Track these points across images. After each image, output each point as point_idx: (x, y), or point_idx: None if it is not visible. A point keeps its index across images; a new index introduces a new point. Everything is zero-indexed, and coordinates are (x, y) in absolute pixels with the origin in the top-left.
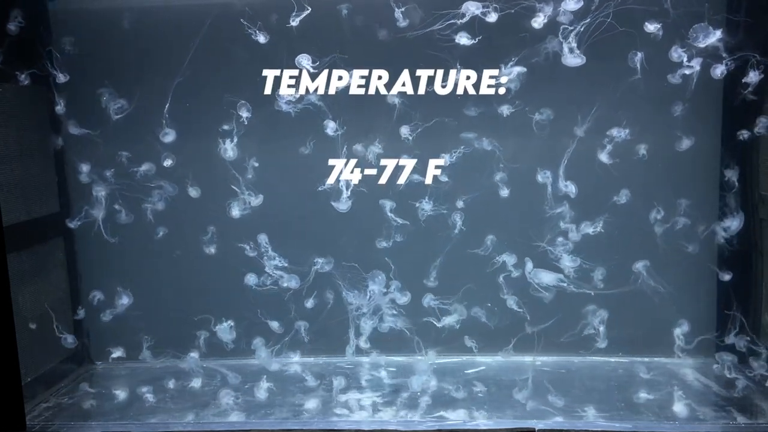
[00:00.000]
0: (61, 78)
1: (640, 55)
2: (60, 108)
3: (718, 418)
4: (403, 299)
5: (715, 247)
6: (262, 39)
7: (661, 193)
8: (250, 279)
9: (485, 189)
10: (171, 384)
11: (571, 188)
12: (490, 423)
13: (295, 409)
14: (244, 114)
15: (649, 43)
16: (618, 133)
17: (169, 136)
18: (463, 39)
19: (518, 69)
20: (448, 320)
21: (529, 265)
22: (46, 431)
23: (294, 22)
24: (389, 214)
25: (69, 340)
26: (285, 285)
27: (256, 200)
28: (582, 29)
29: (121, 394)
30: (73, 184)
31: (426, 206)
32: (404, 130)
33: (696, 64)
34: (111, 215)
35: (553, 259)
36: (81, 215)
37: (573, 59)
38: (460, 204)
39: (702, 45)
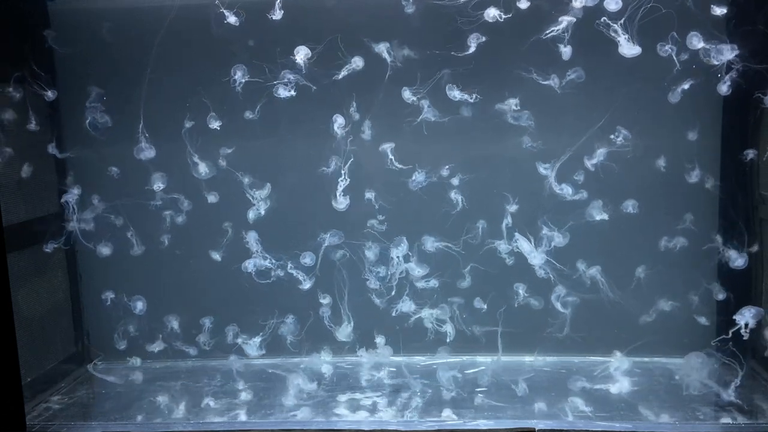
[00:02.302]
0: (50, 96)
1: (671, 48)
2: (32, 126)
3: (718, 418)
4: (419, 272)
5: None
6: (233, 20)
7: (660, 200)
8: (250, 265)
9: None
10: (171, 384)
11: (567, 190)
12: (490, 423)
13: None
14: (215, 124)
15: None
16: (618, 137)
17: (147, 152)
18: (491, 12)
19: (568, 19)
20: (426, 314)
21: (509, 219)
22: (46, 431)
23: (277, 16)
24: (390, 156)
25: (111, 379)
26: (303, 287)
27: (264, 191)
28: (623, 20)
29: (121, 394)
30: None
31: (419, 177)
32: (406, 95)
33: (693, 80)
34: (122, 246)
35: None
36: (60, 240)
37: (630, 49)
38: (456, 182)
39: (717, 63)
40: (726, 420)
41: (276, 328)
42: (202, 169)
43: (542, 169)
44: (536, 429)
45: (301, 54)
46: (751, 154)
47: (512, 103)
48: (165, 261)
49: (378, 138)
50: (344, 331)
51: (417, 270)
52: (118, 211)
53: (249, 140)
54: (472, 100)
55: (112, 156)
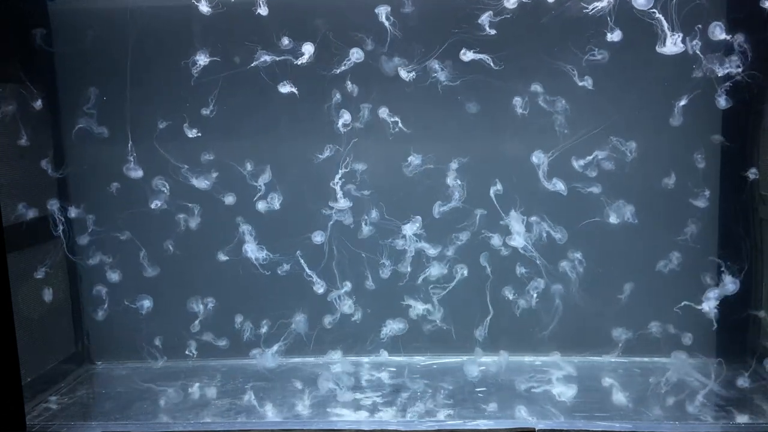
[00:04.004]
0: (38, 105)
1: (697, 42)
2: (24, 141)
3: (718, 418)
4: (432, 251)
5: (716, 248)
6: (204, 8)
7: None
8: (249, 250)
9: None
10: (170, 384)
11: (559, 185)
12: (490, 423)
13: None
14: (192, 133)
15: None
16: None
17: (135, 172)
18: None
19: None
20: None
21: (498, 186)
22: (46, 431)
23: (262, 11)
24: (390, 120)
25: (170, 393)
26: (318, 290)
27: (267, 176)
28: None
29: (121, 394)
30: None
31: (415, 161)
32: (402, 74)
33: (686, 99)
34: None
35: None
36: (46, 264)
37: (672, 47)
38: (455, 165)
39: (721, 74)
40: (726, 420)
41: (289, 333)
42: (198, 183)
43: (534, 158)
44: (536, 429)
45: (307, 53)
46: (752, 175)
47: (519, 102)
48: (164, 260)
49: (377, 119)
50: (346, 303)
51: (430, 249)
52: (121, 227)
53: (246, 138)
54: (496, 67)
55: (110, 167)
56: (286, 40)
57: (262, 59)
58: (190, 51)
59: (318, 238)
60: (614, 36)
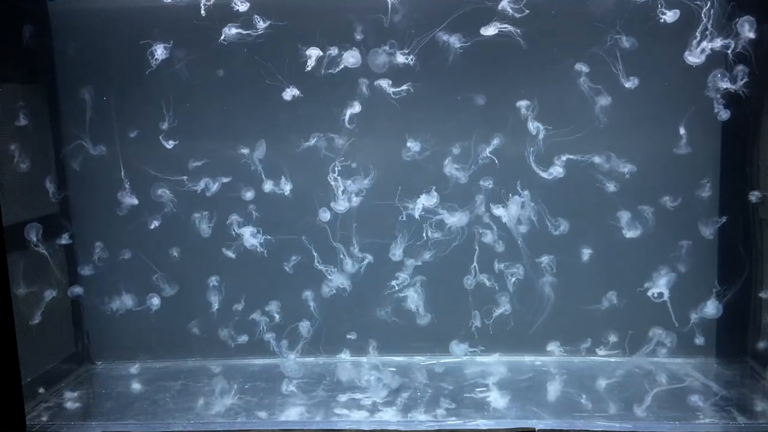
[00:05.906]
0: (22, 121)
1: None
2: (25, 167)
3: (718, 418)
4: (452, 219)
5: (715, 247)
6: None
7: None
8: (246, 233)
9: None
10: (170, 384)
11: (556, 171)
12: (490, 423)
13: None
14: (170, 144)
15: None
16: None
17: (130, 199)
18: None
19: None
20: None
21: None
22: (46, 431)
23: (242, 8)
24: (388, 91)
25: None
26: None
27: (260, 152)
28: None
29: (121, 394)
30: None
31: (414, 148)
32: (400, 59)
33: (683, 129)
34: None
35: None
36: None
37: (698, 57)
38: (456, 151)
39: (724, 88)
40: (726, 420)
41: (305, 339)
42: (202, 184)
43: (531, 127)
44: (536, 429)
45: (314, 56)
46: (754, 198)
47: (523, 104)
48: (162, 260)
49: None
50: (348, 266)
51: (450, 217)
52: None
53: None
54: (518, 40)
55: (110, 174)
56: (260, 21)
57: (230, 31)
58: (189, 52)
59: (325, 214)
60: (669, 17)
